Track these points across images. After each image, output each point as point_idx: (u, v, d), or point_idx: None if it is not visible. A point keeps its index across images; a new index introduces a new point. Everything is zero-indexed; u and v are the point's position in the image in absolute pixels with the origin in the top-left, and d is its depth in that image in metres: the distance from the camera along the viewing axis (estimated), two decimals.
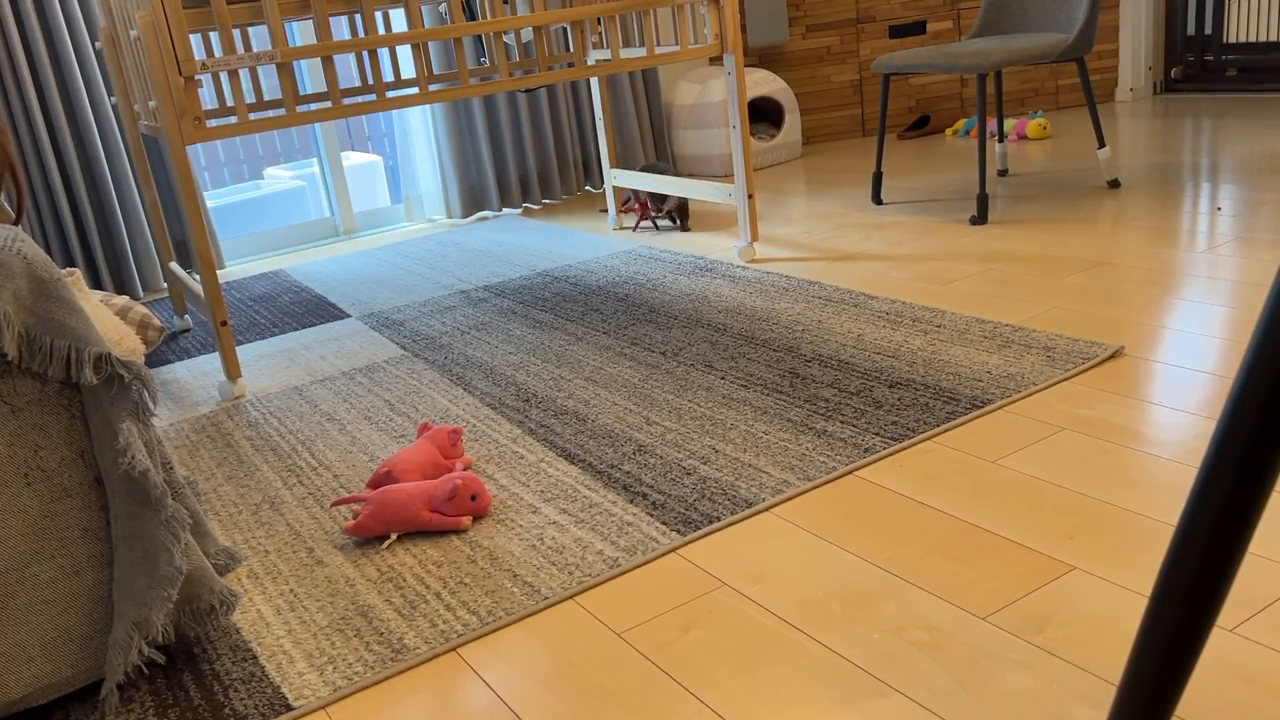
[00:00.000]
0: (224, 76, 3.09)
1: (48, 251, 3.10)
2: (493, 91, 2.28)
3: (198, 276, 3.44)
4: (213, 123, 2.76)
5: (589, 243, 3.15)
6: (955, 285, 2.28)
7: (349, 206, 3.76)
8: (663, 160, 4.06)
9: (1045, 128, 3.85)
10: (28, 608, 1.12)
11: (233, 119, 2.65)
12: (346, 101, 2.19)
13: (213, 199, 4.02)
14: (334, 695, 1.15)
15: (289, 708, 1.14)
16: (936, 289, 2.27)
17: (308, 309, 2.80)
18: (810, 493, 1.46)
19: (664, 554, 1.35)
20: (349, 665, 1.20)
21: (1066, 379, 1.71)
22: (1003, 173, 3.34)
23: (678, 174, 2.78)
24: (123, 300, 1.42)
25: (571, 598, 1.29)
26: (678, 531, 1.39)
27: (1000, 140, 3.30)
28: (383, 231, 3.79)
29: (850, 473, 1.50)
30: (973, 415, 1.62)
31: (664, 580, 1.29)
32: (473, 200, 3.76)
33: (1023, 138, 3.90)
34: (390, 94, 2.76)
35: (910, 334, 2.00)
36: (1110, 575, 1.18)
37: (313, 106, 4.25)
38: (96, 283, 3.19)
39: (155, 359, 2.54)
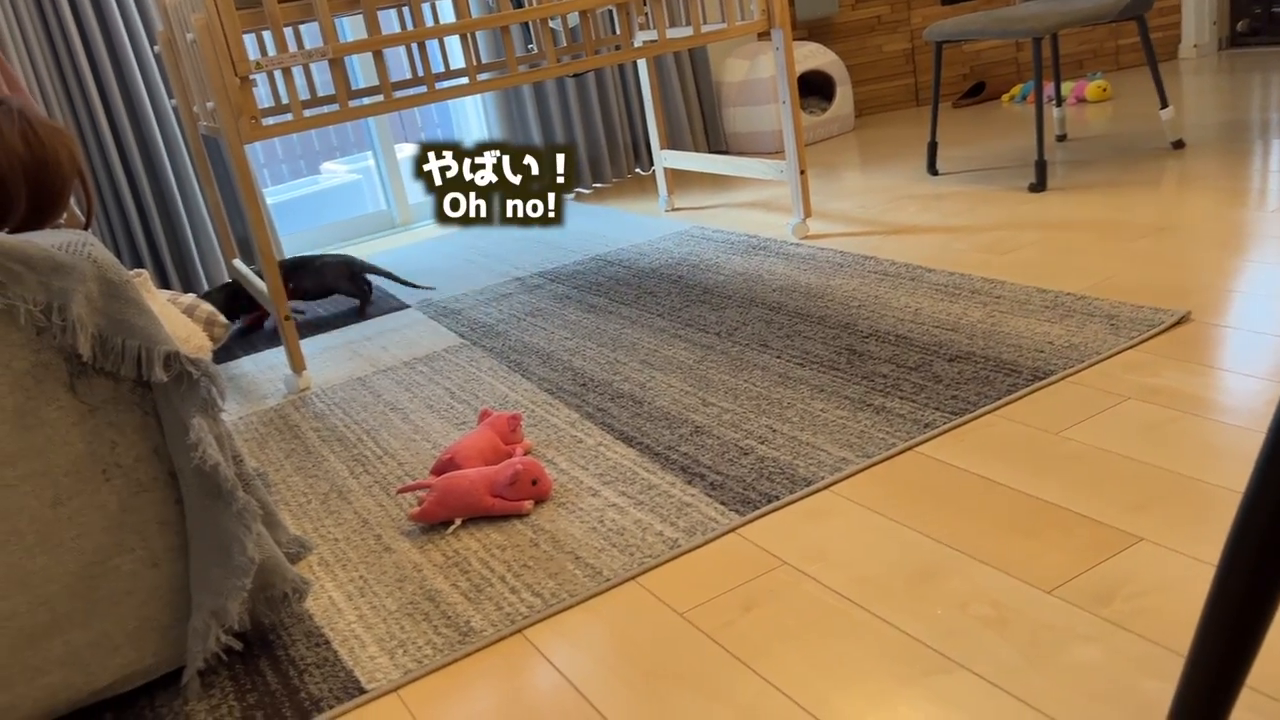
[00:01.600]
0: (278, 75, 3.14)
1: (116, 253, 3.18)
2: (541, 78, 2.29)
3: (261, 273, 3.52)
4: (269, 120, 2.81)
5: (641, 225, 3.16)
6: (1015, 255, 2.24)
7: (404, 198, 3.80)
8: (716, 141, 4.04)
9: (1105, 90, 3.76)
10: (111, 599, 1.16)
11: (288, 116, 2.70)
12: (398, 95, 2.22)
13: (272, 196, 4.09)
14: (405, 678, 1.18)
15: (362, 690, 1.17)
16: (995, 259, 2.24)
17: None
18: (870, 470, 1.45)
19: (723, 534, 1.36)
20: (419, 648, 1.23)
21: (1131, 347, 1.68)
22: (1061, 138, 3.27)
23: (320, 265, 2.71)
24: (189, 299, 1.46)
25: (633, 579, 1.30)
26: (736, 511, 1.40)
27: (1058, 105, 3.23)
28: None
29: (910, 449, 1.49)
30: (1035, 387, 1.60)
31: (724, 560, 1.30)
32: None
33: (1082, 101, 3.82)
34: (440, 85, 2.79)
35: (969, 306, 1.98)
36: (1180, 546, 1.16)
37: (365, 101, 4.30)
38: (163, 281, 3.27)
39: (221, 354, 2.60)
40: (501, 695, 1.13)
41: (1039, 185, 2.70)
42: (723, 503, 1.43)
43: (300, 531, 1.57)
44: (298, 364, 2.20)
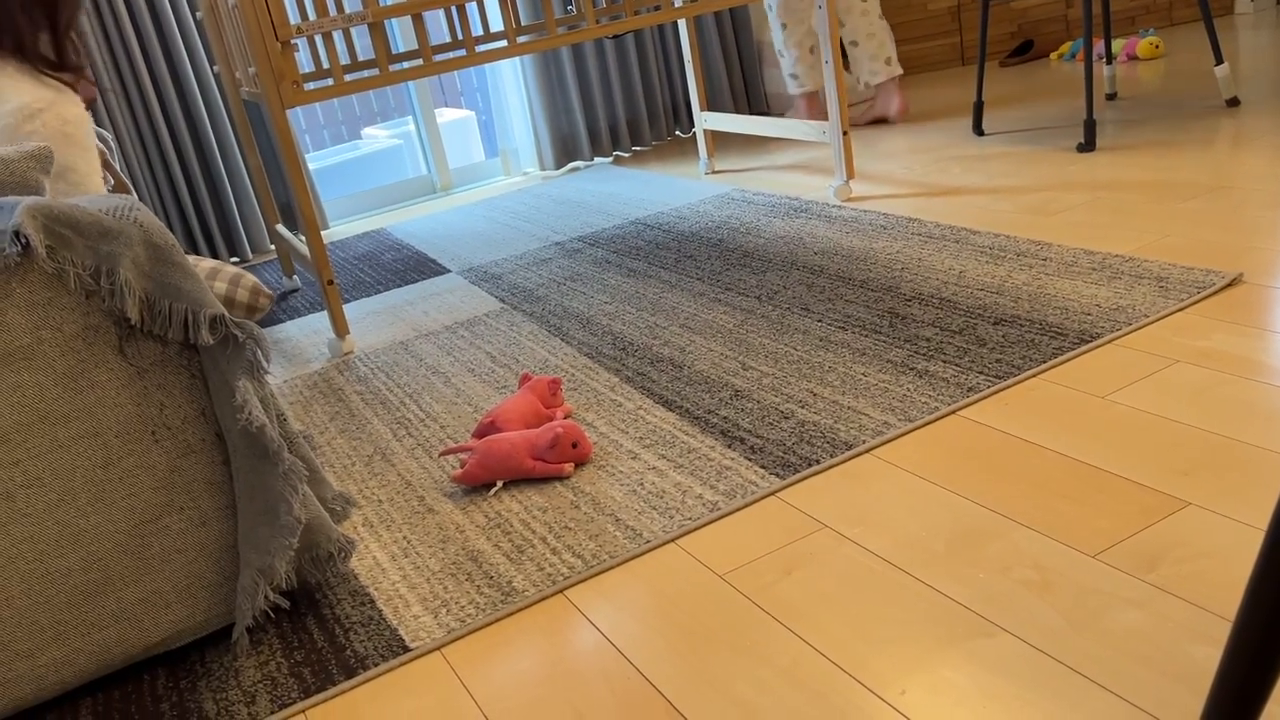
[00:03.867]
0: (319, 39, 3.14)
1: (164, 219, 3.22)
2: (580, 40, 2.27)
3: (303, 238, 3.55)
4: (310, 85, 2.82)
5: (680, 188, 3.14)
6: (1062, 216, 2.20)
7: (445, 163, 3.81)
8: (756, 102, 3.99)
9: (1157, 46, 3.66)
10: (161, 557, 1.19)
11: (329, 81, 2.70)
12: (437, 59, 2.21)
13: (314, 161, 4.11)
14: (448, 637, 1.20)
15: (406, 649, 1.19)
16: (1042, 221, 2.20)
17: (409, 266, 2.86)
18: (912, 434, 1.44)
19: (763, 497, 1.36)
20: (461, 608, 1.24)
21: (1181, 310, 1.65)
22: (1111, 96, 3.19)
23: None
24: (233, 269, 1.48)
25: (673, 541, 1.30)
26: (777, 475, 1.39)
27: (1108, 62, 3.16)
28: (479, 186, 3.83)
29: (953, 413, 1.48)
30: (1081, 350, 1.57)
31: (764, 523, 1.30)
32: (565, 151, 3.77)
33: (1133, 58, 3.72)
34: (480, 48, 2.78)
35: (1014, 269, 1.95)
36: (1229, 511, 1.14)
37: (405, 65, 4.30)
38: (210, 247, 3.31)
39: (266, 319, 2.63)
40: (544, 655, 1.14)
41: (1088, 145, 2.64)
42: (763, 466, 1.42)
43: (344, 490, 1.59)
44: (341, 328, 2.22)
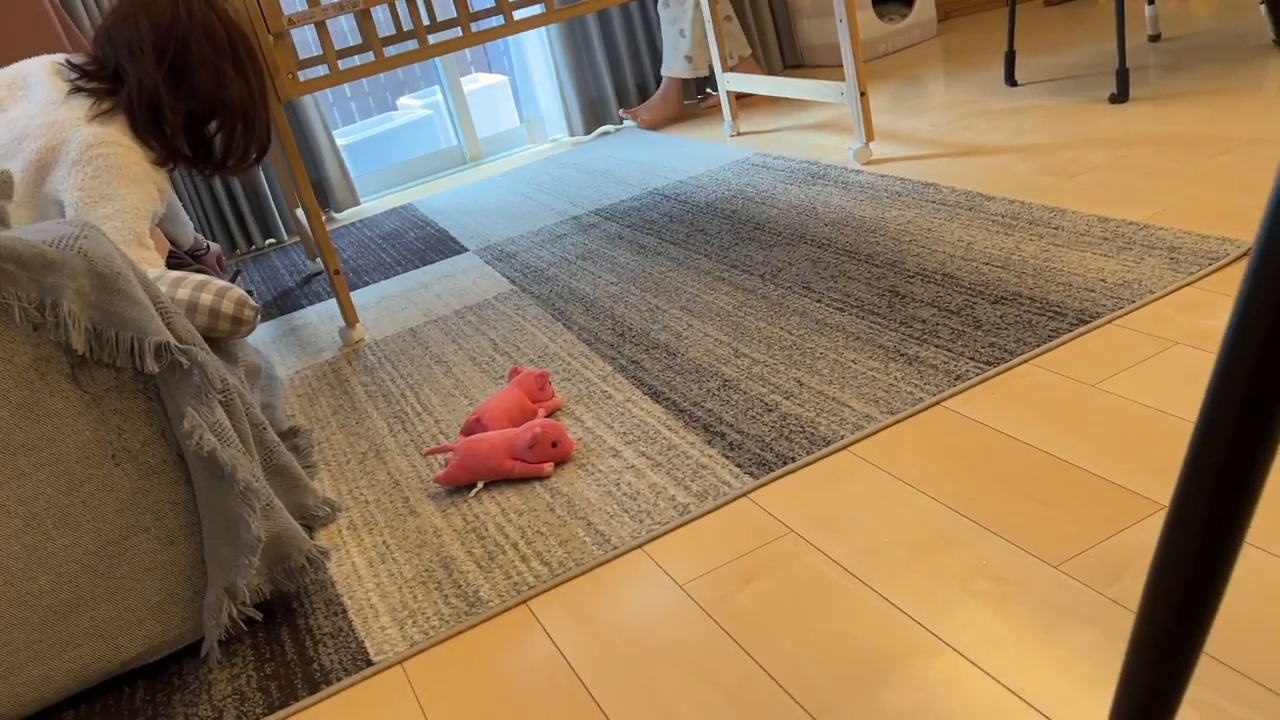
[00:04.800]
0: (311, 30, 3.13)
1: (198, 206, 3.27)
2: (606, 6, 2.22)
3: (337, 215, 3.58)
4: (315, 72, 2.82)
5: (704, 153, 3.08)
6: (1082, 178, 2.11)
7: (473, 134, 3.79)
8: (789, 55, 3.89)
9: None
10: (131, 576, 1.22)
11: (324, 70, 2.70)
12: (433, 40, 2.19)
13: (345, 135, 4.13)
14: (410, 650, 1.21)
15: (369, 663, 1.20)
16: (1061, 184, 2.10)
17: (430, 245, 2.86)
18: (893, 428, 1.40)
19: (735, 499, 1.34)
20: (427, 619, 1.25)
21: (1189, 284, 1.56)
22: (1154, 38, 3.03)
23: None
24: (220, 283, 1.50)
25: (640, 546, 1.29)
26: (751, 475, 1.37)
27: (1150, 1, 2.99)
28: (509, 155, 3.81)
29: (938, 403, 1.43)
30: (1078, 332, 1.51)
31: (732, 527, 1.28)
32: (593, 115, 3.72)
33: None
34: (478, 26, 2.74)
35: (1024, 239, 1.87)
36: None
37: (403, 48, 4.28)
38: (243, 231, 3.36)
39: (288, 304, 2.67)
40: (498, 670, 1.14)
41: (1120, 96, 2.52)
42: (739, 465, 1.40)
43: (336, 493, 1.61)
44: (350, 317, 2.24)
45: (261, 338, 2.46)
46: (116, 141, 1.61)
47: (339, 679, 1.19)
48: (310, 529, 1.49)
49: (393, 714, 1.12)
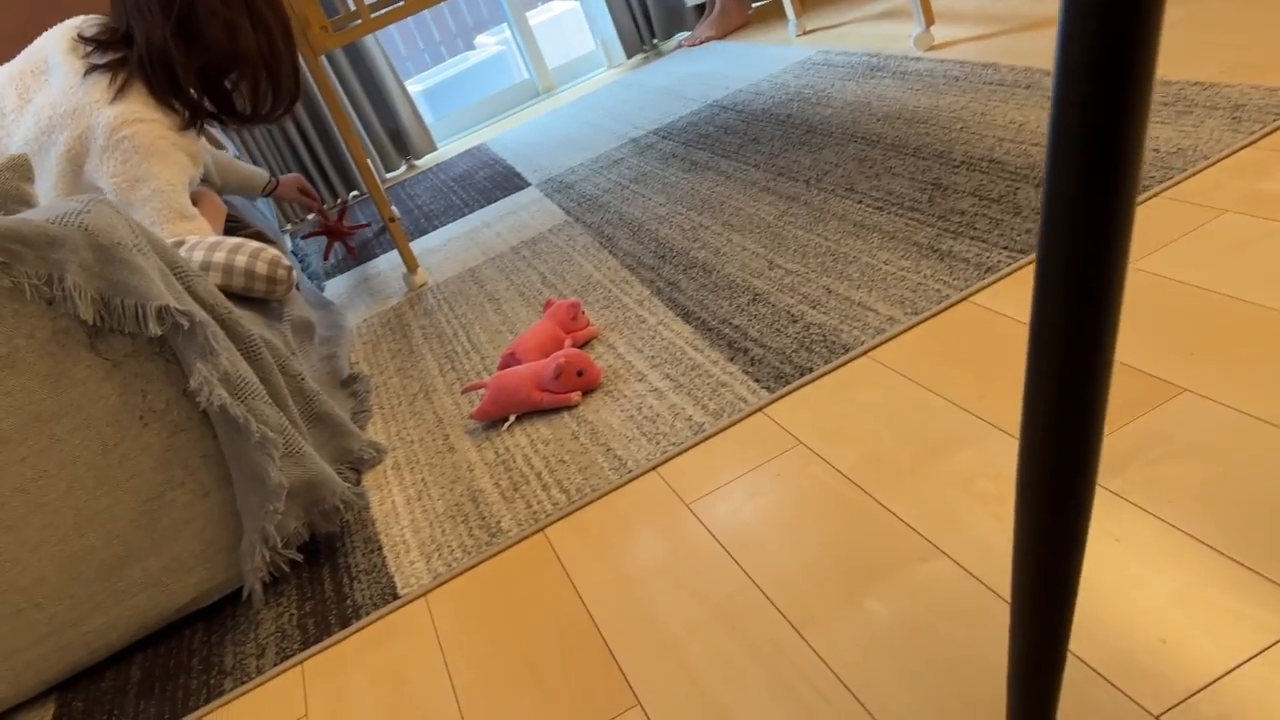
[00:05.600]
0: None
1: (285, 166, 3.38)
2: None
3: (417, 162, 3.63)
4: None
5: (767, 58, 2.98)
6: None
7: (544, 66, 3.77)
8: None
9: None
10: (173, 528, 1.29)
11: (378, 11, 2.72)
12: None
13: (422, 81, 4.17)
14: (434, 582, 1.25)
15: (396, 596, 1.25)
16: None
17: (497, 183, 2.88)
18: (914, 330, 1.35)
19: (749, 414, 1.31)
20: (450, 552, 1.29)
21: (1248, 145, 1.43)
22: None
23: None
24: (256, 244, 1.55)
25: (654, 469, 1.29)
26: (767, 389, 1.34)
27: None
28: (580, 82, 3.78)
29: (964, 299, 1.37)
30: None
31: (743, 443, 1.26)
32: (671, 21, 3.65)
33: None
34: None
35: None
36: (1225, 397, 1.01)
37: None
38: (326, 183, 3.45)
39: (364, 254, 2.74)
40: (510, 598, 1.17)
41: None
42: (757, 380, 1.37)
43: (386, 435, 1.66)
44: (410, 263, 2.28)
45: (338, 289, 2.54)
46: (139, 118, 1.64)
47: (367, 613, 1.24)
48: (358, 471, 1.55)
49: (412, 645, 1.16)
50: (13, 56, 2.52)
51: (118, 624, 1.30)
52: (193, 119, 1.74)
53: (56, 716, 1.29)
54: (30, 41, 2.84)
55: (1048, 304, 0.47)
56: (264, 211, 2.51)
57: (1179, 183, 1.41)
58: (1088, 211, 0.44)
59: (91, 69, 1.67)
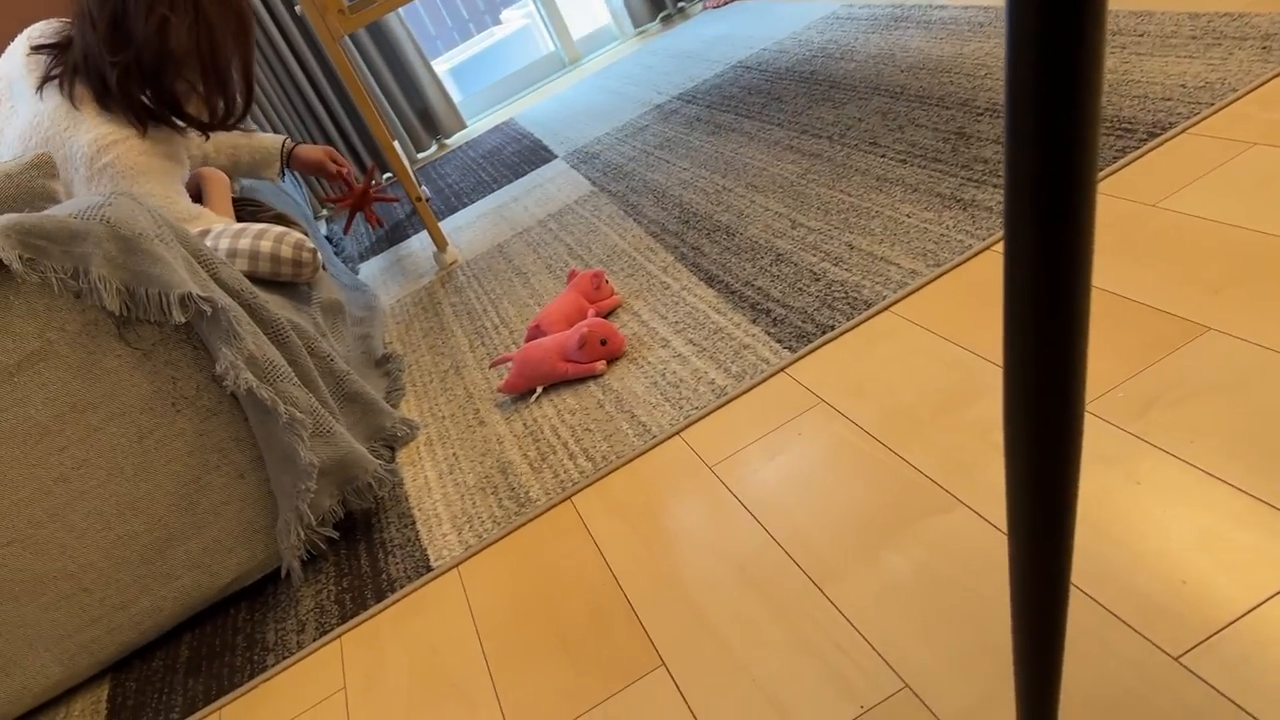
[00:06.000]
0: None
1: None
2: None
3: (447, 141, 3.65)
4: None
5: (791, 14, 2.94)
6: None
7: (569, 37, 3.76)
8: None
9: None
10: (212, 511, 1.32)
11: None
12: None
13: (448, 60, 4.17)
14: (465, 554, 1.26)
15: (429, 569, 1.27)
16: None
17: (524, 158, 2.88)
18: (936, 281, 1.33)
19: (772, 375, 1.31)
20: (481, 523, 1.30)
21: (1279, 75, 1.39)
22: None
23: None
24: (280, 229, 1.57)
25: (678, 433, 1.29)
26: (789, 349, 1.34)
27: None
28: (607, 50, 3.76)
29: (988, 248, 1.35)
30: (1148, 148, 1.37)
31: (766, 404, 1.26)
32: None
33: None
34: None
35: (1105, 51, 1.70)
36: (1251, 334, 0.99)
37: None
38: (362, 168, 3.48)
39: (396, 235, 2.76)
40: (539, 566, 1.18)
41: None
42: (779, 340, 1.37)
43: (419, 412, 1.68)
44: (440, 242, 2.29)
45: (372, 270, 2.57)
46: (111, 140, 1.56)
47: (402, 586, 1.26)
48: (391, 448, 1.57)
49: (444, 616, 1.18)
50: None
51: (164, 605, 1.34)
52: (141, 120, 1.60)
53: (111, 696, 1.34)
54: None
55: (1019, 221, 0.46)
56: (296, 198, 2.54)
57: (1205, 118, 1.38)
58: (1050, 121, 0.43)
59: (45, 80, 1.58)
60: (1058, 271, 0.47)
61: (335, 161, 2.26)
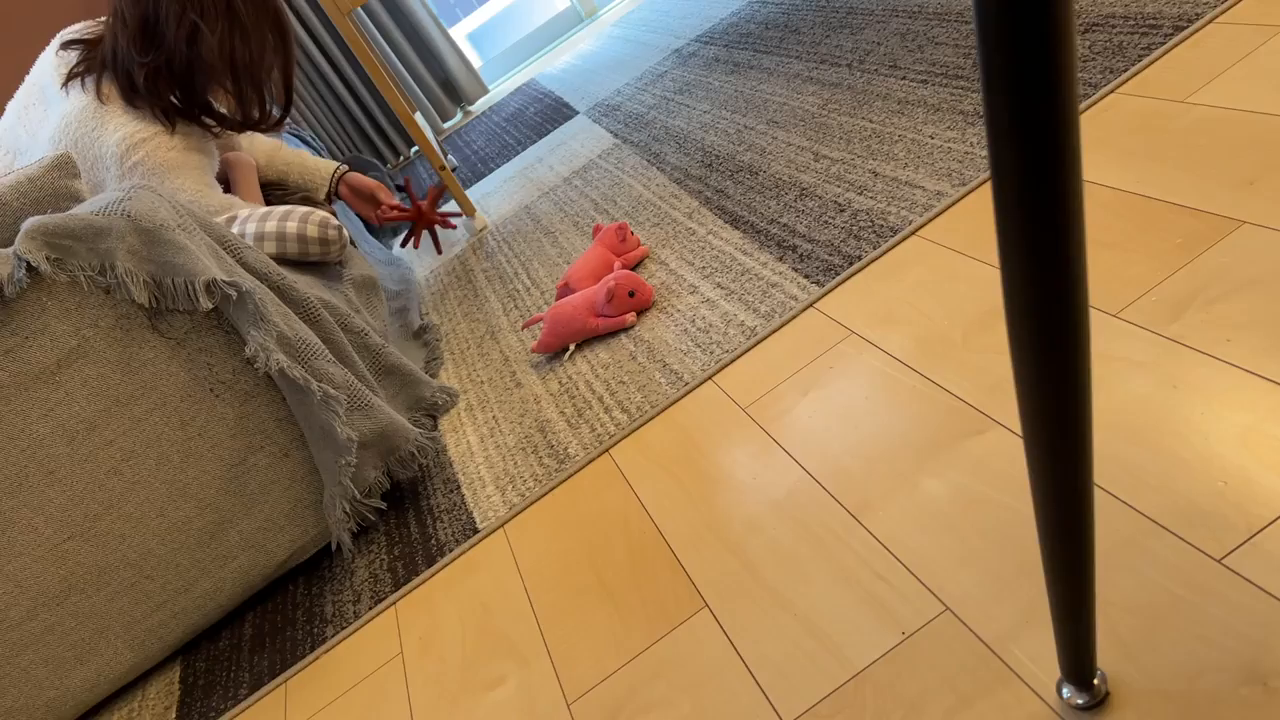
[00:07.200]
0: None
1: (339, 129, 3.43)
2: None
3: (471, 107, 3.64)
4: None
5: None
6: None
7: None
8: None
9: None
10: (260, 491, 1.35)
11: None
12: None
13: (467, 25, 4.15)
14: (510, 513, 1.28)
15: (476, 531, 1.28)
16: None
17: (546, 117, 2.87)
18: (962, 201, 1.30)
19: (800, 311, 1.29)
20: (523, 482, 1.31)
21: None
22: None
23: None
24: (304, 209, 1.57)
25: (709, 379, 1.29)
26: (818, 283, 1.32)
27: None
28: (620, 1, 3.71)
29: None
30: (1174, 42, 1.32)
31: (796, 341, 1.25)
32: None
33: None
34: None
35: None
36: None
37: None
38: (385, 142, 3.49)
39: None
40: (581, 518, 1.19)
41: None
42: (806, 275, 1.35)
43: (457, 379, 1.69)
44: (468, 209, 2.30)
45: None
46: (140, 138, 1.57)
47: (451, 550, 1.28)
48: (433, 417, 1.59)
49: (493, 575, 1.20)
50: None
51: (224, 586, 1.37)
52: (168, 118, 1.60)
53: (183, 677, 1.38)
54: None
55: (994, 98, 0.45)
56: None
57: (1233, 5, 1.32)
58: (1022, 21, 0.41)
59: (70, 77, 1.59)
60: (1041, 160, 0.45)
61: (375, 201, 2.07)
